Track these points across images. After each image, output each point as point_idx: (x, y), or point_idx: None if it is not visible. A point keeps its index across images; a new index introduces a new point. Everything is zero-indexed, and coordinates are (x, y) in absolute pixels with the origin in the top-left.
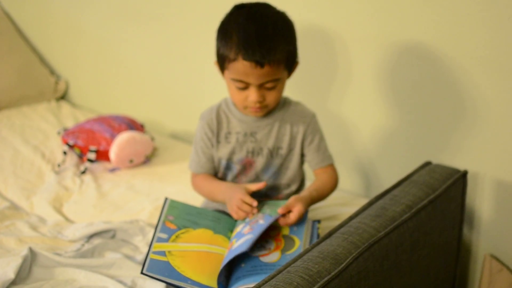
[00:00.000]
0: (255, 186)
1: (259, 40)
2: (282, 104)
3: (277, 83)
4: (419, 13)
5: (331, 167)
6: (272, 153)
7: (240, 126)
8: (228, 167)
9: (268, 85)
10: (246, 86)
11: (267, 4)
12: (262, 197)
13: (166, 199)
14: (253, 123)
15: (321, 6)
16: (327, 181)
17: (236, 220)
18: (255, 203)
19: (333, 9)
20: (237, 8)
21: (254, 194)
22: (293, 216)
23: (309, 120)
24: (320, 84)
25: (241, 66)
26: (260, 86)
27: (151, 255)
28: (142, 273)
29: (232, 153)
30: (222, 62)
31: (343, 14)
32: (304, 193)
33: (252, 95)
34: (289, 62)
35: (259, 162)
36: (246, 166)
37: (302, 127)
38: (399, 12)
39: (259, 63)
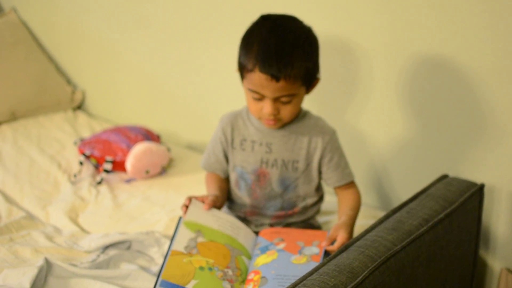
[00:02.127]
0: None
1: (277, 54)
2: (302, 117)
3: (293, 98)
4: (438, 24)
5: (353, 184)
6: (287, 166)
7: (256, 135)
8: (242, 176)
9: (284, 99)
10: (261, 98)
11: (293, 18)
12: (277, 210)
13: (180, 218)
14: (269, 133)
15: (340, 18)
16: (356, 199)
17: (253, 232)
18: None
19: (351, 20)
20: (263, 19)
21: (270, 208)
22: (336, 245)
23: (329, 137)
24: (336, 95)
25: (257, 78)
26: (275, 99)
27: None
28: (158, 278)
29: (246, 161)
30: (241, 71)
31: (361, 26)
32: (343, 218)
33: (266, 107)
34: (307, 78)
35: (274, 173)
36: (260, 177)
37: (321, 143)
38: (417, 24)
39: (275, 77)
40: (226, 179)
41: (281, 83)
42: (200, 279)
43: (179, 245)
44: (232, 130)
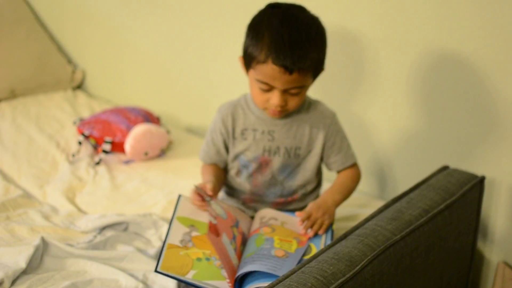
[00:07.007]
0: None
1: (291, 46)
2: (301, 103)
3: (302, 90)
4: (445, 17)
5: (355, 165)
6: (290, 153)
7: (258, 124)
8: (243, 164)
9: (293, 91)
10: (270, 89)
11: (302, 8)
12: (277, 197)
13: (179, 196)
14: (271, 121)
15: (348, 8)
16: (348, 179)
17: (250, 217)
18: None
19: (359, 12)
20: (271, 7)
21: (269, 196)
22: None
23: (330, 121)
24: (342, 85)
25: (269, 70)
26: (284, 91)
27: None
28: (156, 271)
29: (248, 150)
30: (249, 61)
31: (369, 17)
32: (323, 197)
33: (274, 98)
34: (317, 69)
35: (276, 161)
36: (262, 165)
37: (323, 129)
38: (425, 16)
39: (288, 70)
40: (224, 169)
41: (294, 76)
42: (199, 269)
43: (175, 239)
44: (233, 120)
